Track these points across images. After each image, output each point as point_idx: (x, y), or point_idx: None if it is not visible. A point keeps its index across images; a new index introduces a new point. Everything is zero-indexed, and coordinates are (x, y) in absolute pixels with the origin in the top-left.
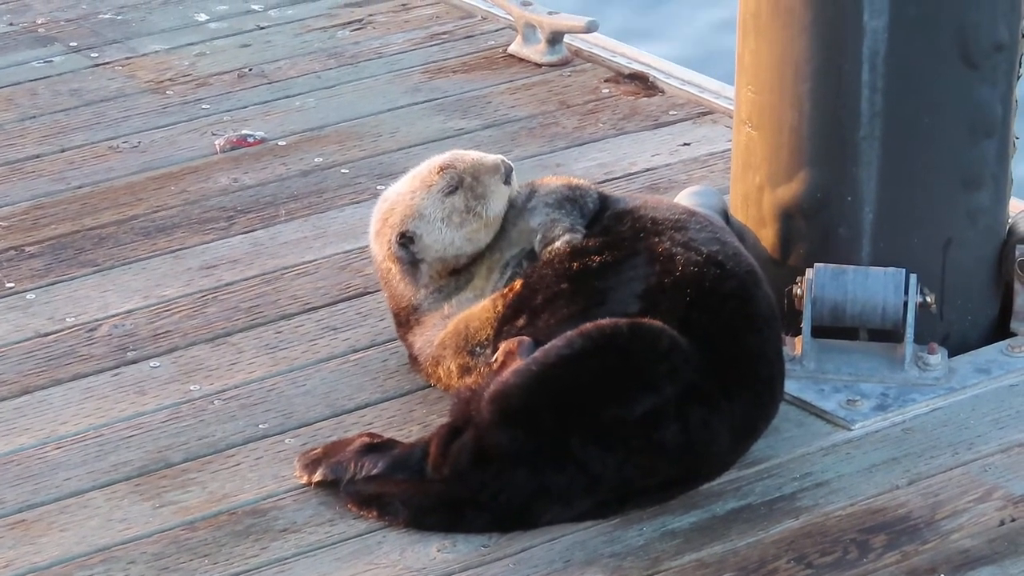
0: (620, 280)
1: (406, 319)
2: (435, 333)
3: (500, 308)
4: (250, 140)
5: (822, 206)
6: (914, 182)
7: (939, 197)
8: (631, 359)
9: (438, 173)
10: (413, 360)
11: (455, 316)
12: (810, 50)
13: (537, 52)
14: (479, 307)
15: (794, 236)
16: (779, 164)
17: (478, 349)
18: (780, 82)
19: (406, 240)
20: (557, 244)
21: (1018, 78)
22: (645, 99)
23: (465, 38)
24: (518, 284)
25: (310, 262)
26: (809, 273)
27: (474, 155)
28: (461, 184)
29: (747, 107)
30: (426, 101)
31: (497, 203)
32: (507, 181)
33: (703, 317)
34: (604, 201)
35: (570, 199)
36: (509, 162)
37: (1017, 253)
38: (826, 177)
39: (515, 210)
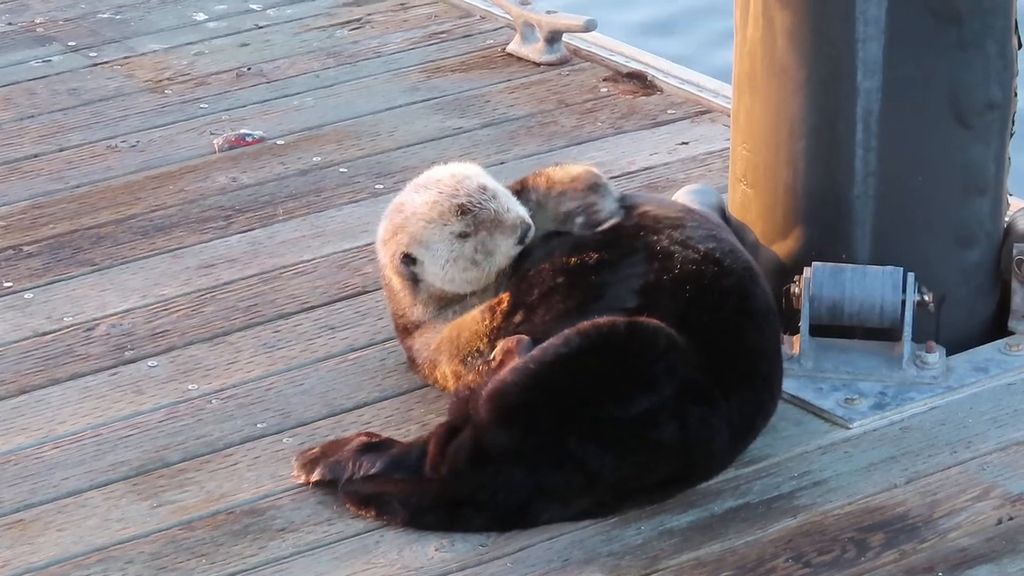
0: (618, 276)
1: (403, 327)
2: (432, 336)
3: (490, 322)
4: (248, 139)
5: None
6: (908, 240)
7: (933, 255)
8: (629, 358)
9: (457, 215)
10: (411, 361)
11: (453, 320)
12: (804, 109)
13: (535, 51)
14: (470, 316)
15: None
16: (774, 222)
17: (469, 359)
18: (775, 141)
19: (409, 260)
20: (605, 226)
21: (1011, 136)
22: (643, 98)
23: (463, 37)
24: (506, 296)
25: (308, 261)
26: (807, 272)
27: (498, 206)
28: (475, 234)
29: (742, 165)
30: (424, 100)
31: (503, 260)
32: (522, 241)
33: (702, 315)
34: None
35: (596, 185)
36: (529, 221)
37: (1015, 252)
38: (820, 235)
39: (531, 203)
